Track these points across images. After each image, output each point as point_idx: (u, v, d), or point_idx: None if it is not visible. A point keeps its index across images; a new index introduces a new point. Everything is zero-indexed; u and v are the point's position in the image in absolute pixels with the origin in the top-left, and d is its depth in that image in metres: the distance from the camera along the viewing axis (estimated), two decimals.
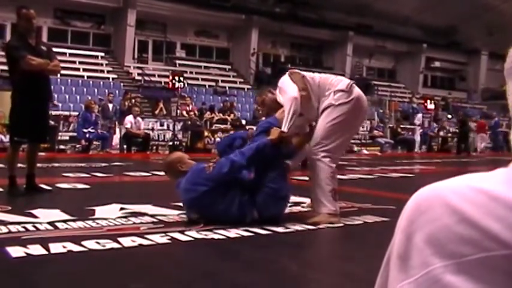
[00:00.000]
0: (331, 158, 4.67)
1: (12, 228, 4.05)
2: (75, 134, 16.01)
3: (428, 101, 26.02)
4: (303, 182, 5.82)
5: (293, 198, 5.18)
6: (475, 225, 0.78)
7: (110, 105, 17.08)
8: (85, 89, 21.98)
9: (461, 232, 0.78)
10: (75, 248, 3.45)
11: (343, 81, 4.84)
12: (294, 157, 4.91)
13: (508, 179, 0.83)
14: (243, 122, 19.60)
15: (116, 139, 16.81)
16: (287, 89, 4.71)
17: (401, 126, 23.29)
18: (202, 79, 26.57)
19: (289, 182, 4.79)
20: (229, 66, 29.38)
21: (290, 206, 5.29)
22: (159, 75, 25.12)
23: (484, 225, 0.77)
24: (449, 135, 24.09)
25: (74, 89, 21.79)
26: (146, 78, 24.37)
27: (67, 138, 16.45)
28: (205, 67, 28.21)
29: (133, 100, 18.58)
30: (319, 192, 4.65)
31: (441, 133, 24.02)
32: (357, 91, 4.80)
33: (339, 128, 4.67)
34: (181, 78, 19.31)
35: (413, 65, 34.63)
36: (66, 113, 17.92)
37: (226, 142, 5.17)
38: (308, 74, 4.96)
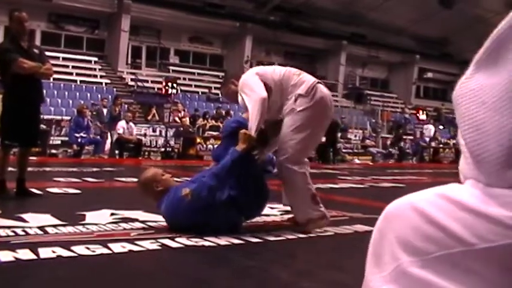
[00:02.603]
0: (300, 163, 4.56)
1: (2, 232, 4.02)
2: (67, 138, 15.97)
3: (421, 112, 26.12)
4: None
5: (283, 207, 5.17)
6: (438, 225, 0.88)
7: (105, 110, 17.05)
8: (78, 94, 21.94)
9: (427, 231, 0.88)
10: (65, 253, 3.43)
11: (304, 83, 4.64)
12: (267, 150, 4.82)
13: (469, 186, 0.92)
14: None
15: (108, 144, 16.77)
16: (254, 87, 4.54)
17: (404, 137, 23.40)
18: (196, 86, 26.58)
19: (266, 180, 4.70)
20: (223, 73, 29.38)
21: (281, 214, 5.29)
22: (152, 81, 25.12)
23: (445, 224, 0.87)
24: (441, 146, 24.16)
25: (66, 93, 21.76)
26: (139, 83, 24.36)
27: (59, 142, 16.40)
28: (199, 74, 28.23)
29: (125, 106, 18.57)
30: (299, 201, 4.57)
31: (433, 144, 24.09)
32: (319, 92, 4.62)
33: (304, 133, 4.53)
34: (175, 85, 19.32)
35: (406, 76, 34.76)
36: (58, 117, 17.88)
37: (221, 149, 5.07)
38: (268, 69, 4.85)
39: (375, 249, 0.95)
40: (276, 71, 4.77)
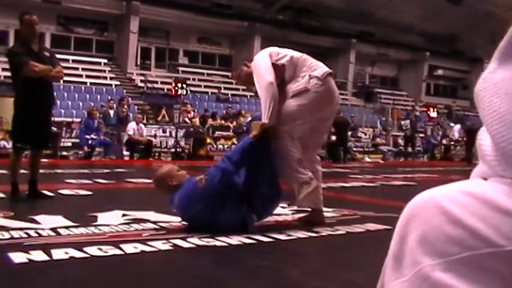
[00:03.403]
0: (293, 138, 4.62)
1: (15, 234, 4.04)
2: (77, 140, 16.01)
3: (431, 109, 26.01)
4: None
5: (294, 207, 5.18)
6: (462, 225, 0.81)
7: (111, 112, 17.08)
8: (88, 96, 22.02)
9: (449, 232, 0.81)
10: (78, 254, 3.45)
11: (320, 69, 4.74)
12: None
13: (494, 183, 0.85)
14: (245, 129, 19.57)
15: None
16: (262, 72, 4.60)
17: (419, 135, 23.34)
18: (205, 86, 26.61)
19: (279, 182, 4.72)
20: (232, 74, 29.40)
21: (293, 214, 5.29)
22: (161, 82, 25.17)
23: (470, 224, 0.81)
24: (452, 143, 24.05)
25: (76, 95, 21.84)
26: (149, 85, 24.41)
27: (69, 144, 16.46)
28: (208, 74, 28.26)
29: (134, 107, 18.61)
30: (287, 165, 4.61)
31: (444, 141, 23.99)
32: (330, 83, 4.74)
33: (307, 113, 4.63)
34: (184, 85, 19.34)
35: (416, 73, 34.64)
36: (69, 119, 17.96)
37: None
38: (285, 51, 4.86)
39: (394, 252, 0.88)
40: (293, 52, 4.88)
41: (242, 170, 4.38)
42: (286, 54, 4.78)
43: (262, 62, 4.67)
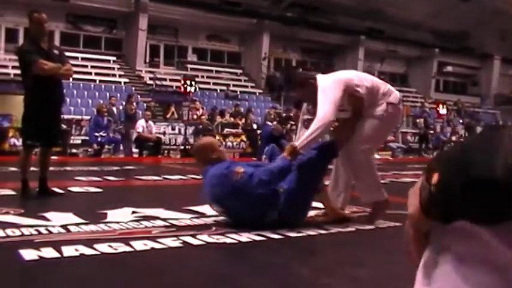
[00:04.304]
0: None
1: (25, 231, 4.07)
2: (87, 137, 16.04)
3: (441, 106, 25.92)
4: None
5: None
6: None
7: (114, 109, 17.09)
8: (97, 93, 22.06)
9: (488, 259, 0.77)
10: (88, 251, 3.46)
11: (394, 93, 4.89)
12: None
13: None
14: (255, 126, 19.59)
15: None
16: (329, 103, 4.51)
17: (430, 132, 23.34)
18: (214, 83, 26.59)
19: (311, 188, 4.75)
20: (241, 71, 29.39)
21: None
22: (170, 80, 25.16)
23: None
24: (462, 139, 23.93)
25: (86, 93, 21.88)
26: (158, 82, 24.43)
27: (79, 142, 16.50)
28: (217, 71, 28.24)
29: (143, 104, 18.64)
30: (372, 181, 4.83)
31: (453, 138, 23.90)
32: (401, 108, 5.08)
33: (383, 135, 5.24)
34: (193, 83, 19.34)
35: (425, 70, 34.48)
36: (78, 117, 17.99)
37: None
38: (359, 76, 4.88)
39: (426, 261, 0.85)
40: (366, 78, 4.90)
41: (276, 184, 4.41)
42: (362, 84, 4.76)
43: (334, 93, 4.57)
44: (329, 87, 4.61)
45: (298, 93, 5.11)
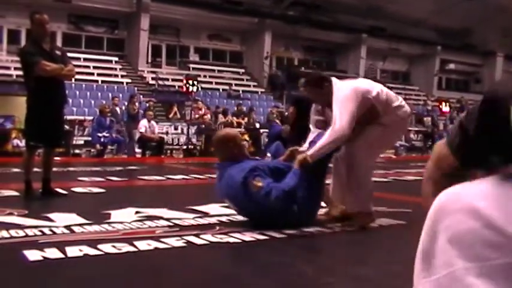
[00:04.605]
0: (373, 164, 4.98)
1: (29, 232, 4.08)
2: (89, 138, 16.07)
3: (443, 104, 25.89)
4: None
5: None
6: (501, 231, 0.78)
7: (118, 109, 17.11)
8: (99, 94, 22.08)
9: (486, 237, 0.79)
10: (92, 251, 3.47)
11: (405, 107, 4.85)
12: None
13: None
14: (257, 125, 19.59)
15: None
16: (347, 114, 4.42)
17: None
18: (216, 83, 26.60)
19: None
20: (243, 70, 29.39)
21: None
22: (172, 79, 25.18)
23: (510, 231, 0.78)
24: None
25: (88, 93, 21.91)
26: (160, 82, 24.44)
27: (82, 142, 16.52)
28: (219, 71, 28.26)
29: (145, 104, 18.64)
30: (363, 191, 4.70)
31: None
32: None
33: (390, 144, 5.60)
34: (195, 82, 19.35)
35: (427, 68, 34.43)
36: (81, 117, 18.01)
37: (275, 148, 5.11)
38: (375, 87, 4.71)
39: (424, 250, 0.86)
40: (382, 90, 4.76)
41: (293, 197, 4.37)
42: (378, 97, 4.66)
43: (352, 105, 4.47)
44: (347, 97, 4.49)
45: (310, 93, 4.95)
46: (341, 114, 4.41)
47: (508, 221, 0.79)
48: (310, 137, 4.88)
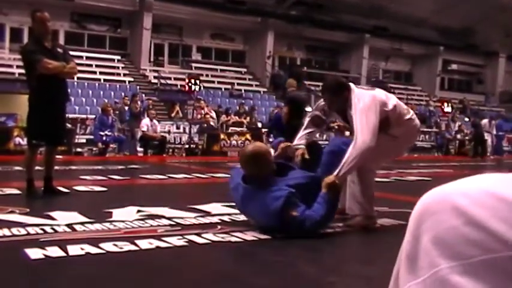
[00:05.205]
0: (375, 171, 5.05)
1: (31, 230, 4.08)
2: (92, 137, 16.08)
3: (445, 104, 25.87)
4: None
5: None
6: (482, 227, 0.77)
7: (126, 108, 17.16)
8: (102, 92, 22.09)
9: (467, 234, 0.78)
10: (93, 250, 3.47)
11: (415, 121, 4.90)
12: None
13: None
14: (259, 125, 19.60)
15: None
16: (370, 125, 4.34)
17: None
18: (218, 82, 26.60)
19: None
20: (245, 69, 29.39)
21: None
22: (175, 78, 25.18)
23: (490, 226, 0.77)
24: (467, 138, 23.89)
25: (90, 92, 21.92)
26: (162, 81, 24.45)
27: (84, 141, 16.53)
28: (221, 70, 28.25)
29: (146, 102, 18.66)
30: (364, 195, 4.67)
31: (458, 136, 23.85)
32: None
33: (396, 155, 5.42)
34: (198, 81, 19.36)
35: (430, 68, 34.40)
36: (83, 116, 18.01)
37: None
38: (390, 99, 4.68)
39: (408, 252, 0.85)
40: (398, 104, 4.74)
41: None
42: (393, 109, 4.63)
43: (374, 117, 4.39)
44: (369, 108, 4.41)
45: (326, 99, 4.82)
46: (362, 126, 4.33)
47: (488, 216, 0.79)
48: (301, 133, 4.90)
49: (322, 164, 4.58)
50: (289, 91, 11.23)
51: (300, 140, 4.89)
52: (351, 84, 4.70)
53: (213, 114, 19.14)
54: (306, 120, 5.11)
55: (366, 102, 4.44)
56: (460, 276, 0.77)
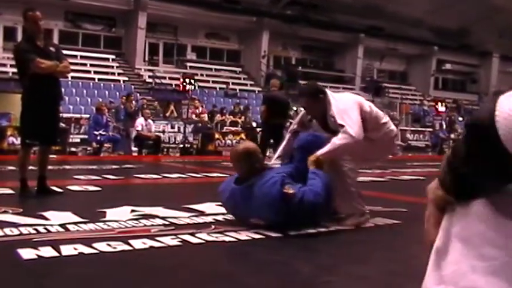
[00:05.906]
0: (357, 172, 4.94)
1: (24, 230, 4.06)
2: (86, 136, 16.05)
3: (440, 104, 25.93)
4: None
5: None
6: (506, 233, 0.81)
7: (123, 108, 17.13)
8: (96, 92, 22.07)
9: (493, 238, 0.82)
10: (86, 250, 3.46)
11: (392, 126, 4.98)
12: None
13: None
14: (254, 124, 19.59)
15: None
16: (355, 123, 4.51)
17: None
18: (213, 81, 26.61)
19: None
20: (240, 69, 29.40)
21: None
22: (169, 78, 25.17)
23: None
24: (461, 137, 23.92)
25: (85, 91, 21.89)
26: (157, 80, 24.43)
27: (78, 140, 16.50)
28: (216, 69, 28.26)
29: (141, 101, 18.64)
30: (347, 193, 4.67)
31: (452, 135, 23.89)
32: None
33: (376, 157, 5.27)
34: (192, 81, 19.34)
35: (424, 68, 34.52)
36: (77, 115, 18.00)
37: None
38: (366, 103, 4.82)
39: (437, 246, 0.92)
40: (372, 108, 4.86)
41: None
42: (369, 110, 4.78)
43: (357, 114, 4.57)
44: (351, 107, 4.61)
45: (305, 104, 4.94)
46: (352, 123, 4.49)
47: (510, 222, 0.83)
48: (280, 149, 5.15)
49: (297, 161, 4.63)
50: (270, 91, 11.39)
51: (278, 159, 5.13)
52: (327, 90, 4.83)
53: (205, 117, 19.09)
54: (287, 136, 5.22)
55: (345, 102, 4.66)
56: (481, 276, 0.82)
